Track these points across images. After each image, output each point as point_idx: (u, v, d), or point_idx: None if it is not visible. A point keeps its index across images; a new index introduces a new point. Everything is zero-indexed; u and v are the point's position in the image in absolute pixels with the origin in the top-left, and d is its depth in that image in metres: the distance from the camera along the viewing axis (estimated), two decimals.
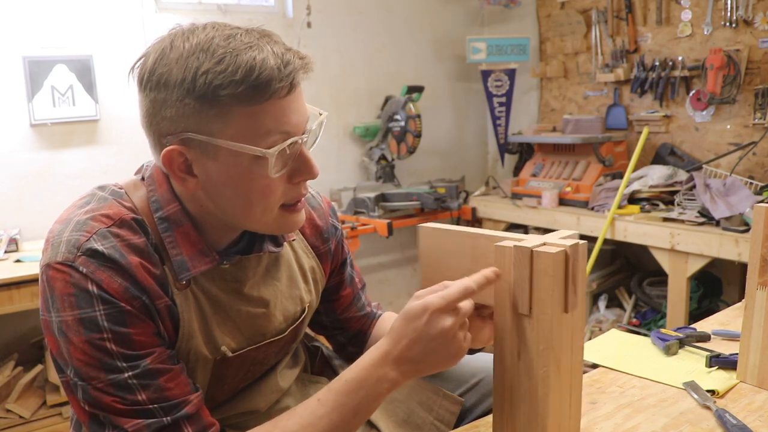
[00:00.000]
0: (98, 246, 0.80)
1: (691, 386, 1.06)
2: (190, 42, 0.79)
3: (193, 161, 0.83)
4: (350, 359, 1.19)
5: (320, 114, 0.91)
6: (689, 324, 1.68)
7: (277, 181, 0.84)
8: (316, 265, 1.08)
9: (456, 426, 1.11)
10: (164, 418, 0.80)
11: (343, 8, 3.41)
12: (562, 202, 3.18)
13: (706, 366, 1.16)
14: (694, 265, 2.59)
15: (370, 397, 0.83)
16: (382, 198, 3.21)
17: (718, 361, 1.15)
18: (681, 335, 1.27)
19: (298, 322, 1.04)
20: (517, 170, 3.74)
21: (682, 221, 2.65)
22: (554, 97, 3.75)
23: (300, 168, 0.86)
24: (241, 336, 0.95)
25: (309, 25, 3.17)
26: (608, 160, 3.20)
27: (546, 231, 2.85)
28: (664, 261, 2.71)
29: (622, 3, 3.25)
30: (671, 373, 1.14)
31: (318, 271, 1.08)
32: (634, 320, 3.10)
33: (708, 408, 1.00)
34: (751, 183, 2.73)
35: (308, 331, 1.19)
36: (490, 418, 1.01)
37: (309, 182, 0.92)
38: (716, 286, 2.98)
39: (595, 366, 1.20)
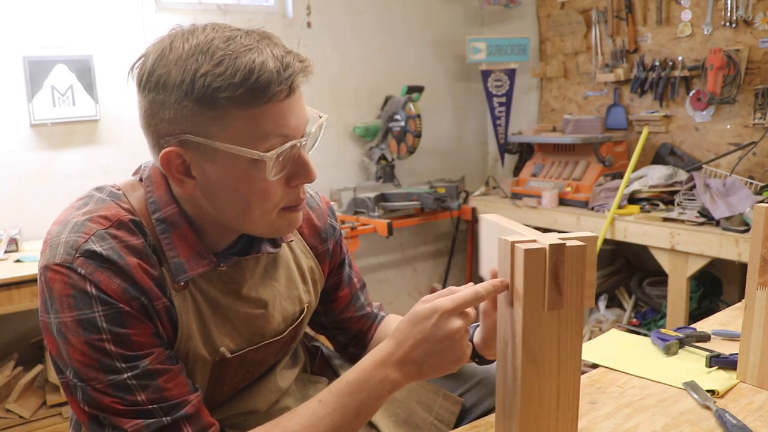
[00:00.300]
0: (96, 247, 0.80)
1: (691, 386, 1.06)
2: (189, 43, 0.78)
3: (191, 163, 0.83)
4: (352, 360, 1.19)
5: (320, 117, 0.90)
6: (689, 324, 1.68)
7: (275, 185, 0.84)
8: (314, 266, 1.08)
9: (456, 426, 1.11)
10: (164, 419, 0.80)
11: (342, 8, 3.41)
12: (562, 202, 3.18)
13: (706, 366, 1.16)
14: (694, 265, 2.59)
15: (372, 399, 0.83)
16: (382, 198, 3.20)
17: (718, 361, 1.15)
18: (681, 335, 1.27)
19: (297, 323, 1.04)
20: (517, 170, 3.74)
21: (682, 221, 2.64)
22: (554, 97, 3.74)
23: (298, 171, 0.86)
24: (239, 337, 0.95)
25: (309, 25, 3.17)
26: (608, 160, 3.20)
27: (546, 231, 2.84)
28: (664, 261, 2.71)
29: (622, 3, 3.24)
30: (671, 373, 1.14)
31: (317, 271, 1.08)
32: (634, 320, 3.10)
33: (708, 408, 1.00)
34: (751, 183, 2.73)
35: (308, 331, 1.19)
36: (490, 418, 1.01)
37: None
38: (716, 286, 2.98)
39: (595, 366, 1.20)
